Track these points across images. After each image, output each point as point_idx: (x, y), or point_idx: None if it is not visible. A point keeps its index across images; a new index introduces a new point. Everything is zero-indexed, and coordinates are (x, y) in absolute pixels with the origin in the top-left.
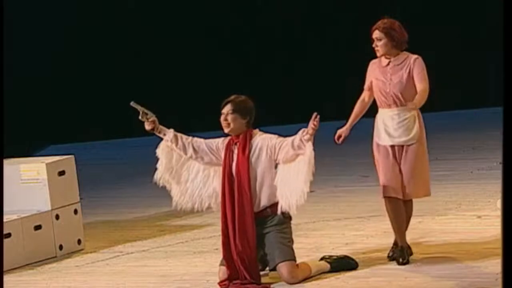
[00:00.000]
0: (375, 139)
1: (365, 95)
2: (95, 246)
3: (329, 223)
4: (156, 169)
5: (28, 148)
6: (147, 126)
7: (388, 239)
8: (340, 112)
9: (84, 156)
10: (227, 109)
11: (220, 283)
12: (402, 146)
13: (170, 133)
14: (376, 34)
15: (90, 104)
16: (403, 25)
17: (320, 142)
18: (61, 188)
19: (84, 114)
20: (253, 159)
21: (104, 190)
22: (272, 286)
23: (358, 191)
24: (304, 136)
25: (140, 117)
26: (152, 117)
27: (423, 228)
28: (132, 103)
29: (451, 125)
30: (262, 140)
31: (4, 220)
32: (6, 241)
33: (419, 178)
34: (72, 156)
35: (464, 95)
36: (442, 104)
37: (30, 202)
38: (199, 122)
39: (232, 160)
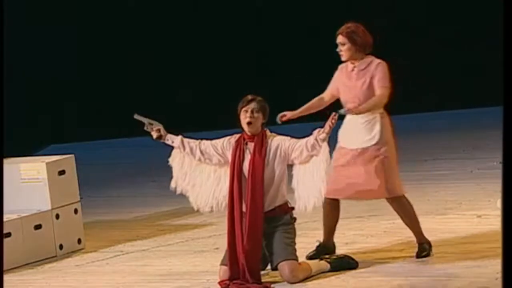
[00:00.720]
0: (339, 139)
1: (326, 95)
2: (95, 246)
3: None
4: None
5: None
6: (154, 134)
7: (388, 238)
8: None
9: (84, 156)
10: (252, 106)
11: (220, 282)
12: (366, 148)
13: (177, 139)
14: (339, 39)
15: (90, 103)
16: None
17: None
18: (61, 188)
19: (84, 114)
20: (267, 160)
21: (104, 190)
22: (272, 285)
23: None
24: (320, 135)
25: (145, 128)
26: (158, 126)
27: (422, 228)
28: (136, 116)
29: (451, 125)
30: (276, 142)
31: (4, 219)
32: (6, 240)
33: (383, 178)
34: (72, 156)
35: (464, 94)
36: (442, 104)
37: (30, 201)
38: (200, 121)
39: (243, 159)
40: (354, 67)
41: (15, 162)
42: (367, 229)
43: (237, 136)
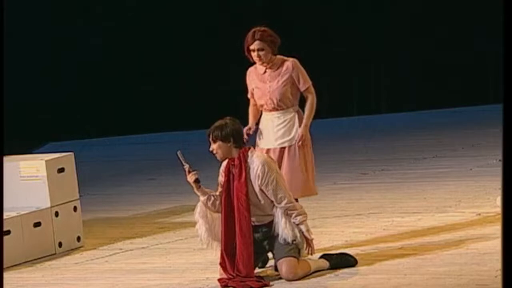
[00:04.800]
0: (257, 141)
1: (253, 102)
2: (94, 243)
3: (328, 220)
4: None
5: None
6: (192, 177)
7: (388, 236)
8: (338, 109)
9: (84, 154)
10: (210, 139)
11: (219, 280)
12: (284, 147)
13: (211, 194)
14: (258, 44)
15: (89, 101)
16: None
17: (319, 139)
18: (61, 185)
19: (83, 112)
20: (252, 179)
21: (103, 187)
22: (271, 283)
23: (357, 188)
24: (300, 225)
25: (184, 167)
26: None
27: (422, 225)
28: (178, 153)
29: (451, 122)
30: (254, 162)
31: (4, 217)
32: (5, 238)
33: (301, 177)
34: (71, 154)
35: (464, 92)
36: (442, 102)
37: (29, 199)
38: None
39: (233, 181)
40: (266, 69)
41: (14, 160)
42: (366, 227)
43: (226, 161)
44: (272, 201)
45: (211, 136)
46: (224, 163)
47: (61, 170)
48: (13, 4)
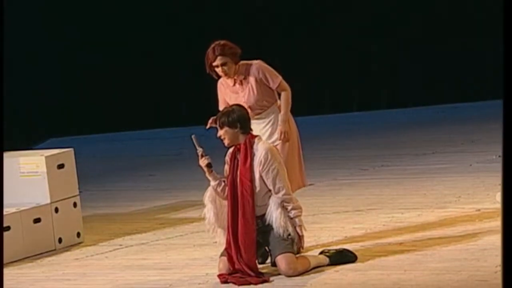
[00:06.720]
0: None
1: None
2: (94, 239)
3: (328, 216)
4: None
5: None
6: (205, 161)
7: (387, 232)
8: (338, 106)
9: (84, 150)
10: (218, 126)
11: (219, 276)
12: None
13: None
14: (220, 60)
15: (89, 97)
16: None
17: (319, 135)
18: (61, 181)
19: (83, 108)
20: (254, 165)
21: (103, 183)
22: (271, 279)
23: (357, 184)
24: (294, 218)
25: (197, 152)
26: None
27: (421, 221)
28: (193, 136)
29: (451, 118)
30: (262, 152)
31: (4, 213)
32: (5, 234)
33: (296, 172)
34: (71, 149)
35: (464, 88)
36: (442, 98)
37: (29, 195)
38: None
39: (237, 168)
40: (235, 80)
41: (14, 155)
42: (366, 223)
43: (232, 147)
44: (268, 191)
45: (218, 122)
46: (230, 150)
47: (61, 166)
48: (14, 3)
